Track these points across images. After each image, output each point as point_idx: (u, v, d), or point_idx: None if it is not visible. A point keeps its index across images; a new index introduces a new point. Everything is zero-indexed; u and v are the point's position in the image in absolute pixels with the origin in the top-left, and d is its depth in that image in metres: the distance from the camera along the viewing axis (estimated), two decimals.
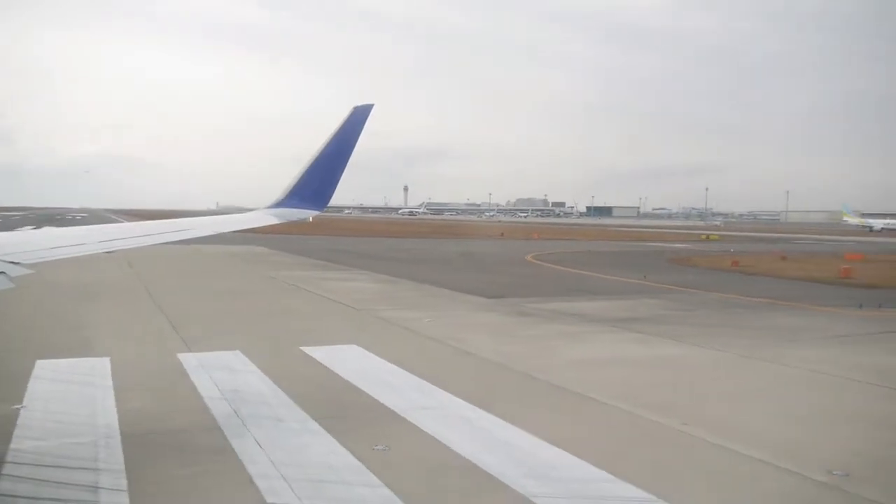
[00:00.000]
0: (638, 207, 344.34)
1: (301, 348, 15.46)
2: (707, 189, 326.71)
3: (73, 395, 11.53)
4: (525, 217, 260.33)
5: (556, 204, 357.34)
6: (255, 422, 10.16)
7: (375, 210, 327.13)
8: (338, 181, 11.22)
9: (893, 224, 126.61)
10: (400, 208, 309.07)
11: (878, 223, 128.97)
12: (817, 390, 12.97)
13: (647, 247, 68.44)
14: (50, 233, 10.27)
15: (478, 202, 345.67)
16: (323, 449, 9.14)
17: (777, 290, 29.44)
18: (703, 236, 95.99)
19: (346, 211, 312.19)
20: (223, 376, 12.82)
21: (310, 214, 11.25)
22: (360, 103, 11.09)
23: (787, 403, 12.04)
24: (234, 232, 11.59)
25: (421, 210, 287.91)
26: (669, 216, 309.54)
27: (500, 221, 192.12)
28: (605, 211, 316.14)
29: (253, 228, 11.22)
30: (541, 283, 32.10)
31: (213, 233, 10.72)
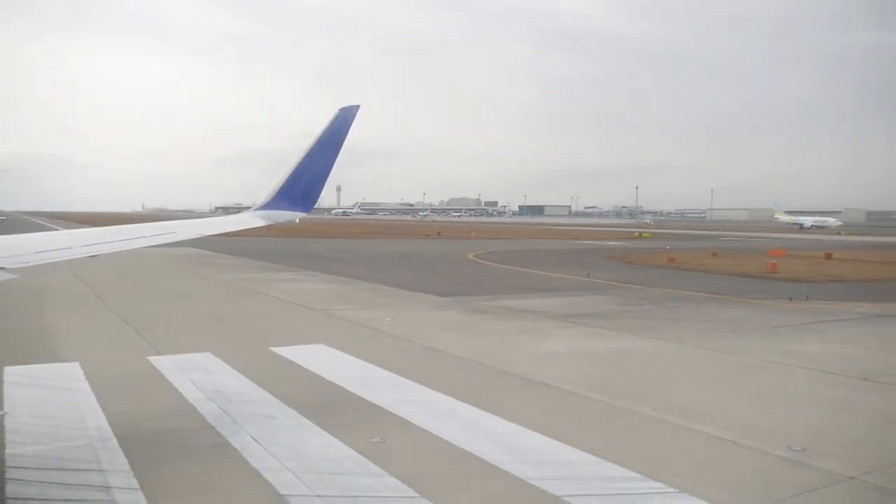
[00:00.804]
0: (569, 206, 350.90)
1: (270, 349, 15.62)
2: (637, 188, 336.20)
3: (53, 400, 11.46)
4: (459, 216, 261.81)
5: (489, 203, 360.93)
6: (247, 420, 10.36)
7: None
8: (324, 182, 11.23)
9: (821, 221, 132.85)
10: (333, 209, 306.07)
11: (807, 221, 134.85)
12: (767, 376, 13.95)
13: (584, 245, 70.15)
14: (35, 237, 10.15)
15: (412, 202, 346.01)
16: (321, 443, 9.44)
17: (713, 285, 30.90)
18: (636, 234, 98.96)
19: None
20: (202, 378, 12.90)
21: (297, 216, 11.26)
22: (345, 104, 11.07)
23: (742, 389, 12.94)
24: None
25: (355, 210, 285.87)
26: (600, 214, 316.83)
27: (434, 221, 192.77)
28: (537, 210, 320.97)
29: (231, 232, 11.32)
30: (489, 282, 32.75)
31: (198, 235, 10.75)
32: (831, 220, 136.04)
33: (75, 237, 9.81)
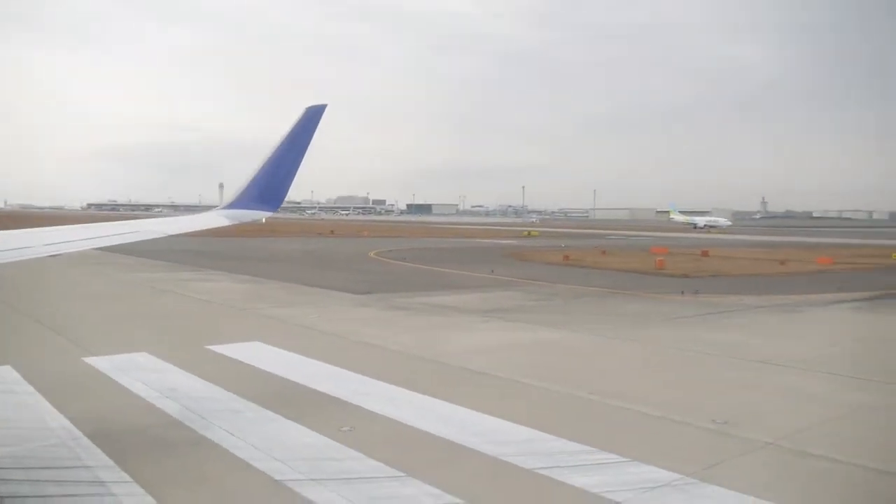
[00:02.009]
0: (457, 205, 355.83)
1: (207, 347, 15.70)
2: (524, 187, 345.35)
3: (1, 403, 11.23)
4: (347, 215, 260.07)
5: (376, 201, 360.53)
6: (213, 415, 10.62)
7: (189, 208, 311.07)
8: (291, 182, 11.26)
9: (713, 221, 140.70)
10: (215, 206, 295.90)
11: (700, 220, 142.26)
12: (680, 361, 15.48)
13: (479, 243, 71.96)
14: None
15: (298, 200, 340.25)
16: (295, 433, 9.89)
17: (610, 281, 32.95)
18: (525, 233, 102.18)
19: (157, 210, 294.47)
20: (149, 377, 12.92)
21: (263, 215, 11.31)
22: (312, 104, 11.08)
23: (661, 372, 14.36)
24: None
25: None
26: (487, 213, 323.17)
27: (323, 219, 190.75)
28: (425, 208, 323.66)
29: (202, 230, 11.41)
30: (398, 279, 33.41)
31: (162, 235, 10.79)
32: (722, 221, 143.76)
33: (35, 237, 9.71)
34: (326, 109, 11.17)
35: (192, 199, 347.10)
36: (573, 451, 9.27)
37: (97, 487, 7.87)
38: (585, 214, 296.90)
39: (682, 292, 28.08)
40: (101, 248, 10.07)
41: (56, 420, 10.29)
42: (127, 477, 8.14)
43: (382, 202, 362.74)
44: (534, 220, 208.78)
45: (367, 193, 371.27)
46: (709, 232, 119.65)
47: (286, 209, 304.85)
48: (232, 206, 11.19)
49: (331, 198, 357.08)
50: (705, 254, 54.48)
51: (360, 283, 30.59)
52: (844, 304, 25.61)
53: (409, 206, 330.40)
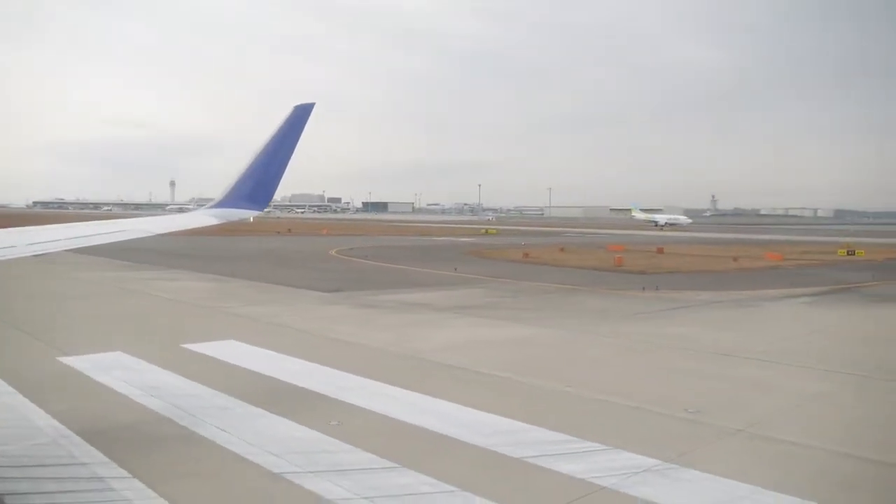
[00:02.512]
0: (412, 203, 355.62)
1: (182, 345, 15.71)
2: (480, 186, 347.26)
3: None
4: (302, 213, 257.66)
5: (332, 199, 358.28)
6: (200, 412, 10.74)
7: (138, 207, 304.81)
8: (279, 181, 11.22)
9: (674, 219, 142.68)
10: (167, 205, 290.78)
11: (662, 218, 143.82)
12: (648, 355, 16.04)
13: (437, 241, 72.30)
14: None
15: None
16: (285, 428, 10.08)
17: (572, 278, 33.61)
18: (483, 230, 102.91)
19: (105, 208, 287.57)
20: (129, 375, 12.93)
21: (251, 214, 11.32)
22: (299, 102, 11.05)
23: (631, 366, 14.92)
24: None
25: (191, 207, 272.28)
26: (443, 211, 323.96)
27: (278, 218, 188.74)
28: (380, 206, 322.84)
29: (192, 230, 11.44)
30: (364, 277, 33.54)
31: (148, 234, 10.82)
32: (683, 219, 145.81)
33: (18, 236, 9.68)
34: (313, 108, 11.21)
35: (142, 197, 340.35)
36: (557, 441, 9.67)
37: (96, 483, 7.98)
38: (540, 212, 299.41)
39: (643, 288, 28.85)
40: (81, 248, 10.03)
41: (42, 419, 10.28)
42: (125, 473, 8.25)
43: (338, 200, 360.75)
44: (490, 218, 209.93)
45: (323, 191, 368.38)
46: (663, 229, 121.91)
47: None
48: (220, 205, 11.15)
49: (285, 195, 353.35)
50: (660, 251, 55.78)
51: (326, 280, 30.64)
52: (797, 299, 26.67)
53: (364, 204, 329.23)
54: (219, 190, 11.47)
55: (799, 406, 11.79)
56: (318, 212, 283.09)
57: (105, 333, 17.26)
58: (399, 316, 21.12)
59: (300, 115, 11.01)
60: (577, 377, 13.50)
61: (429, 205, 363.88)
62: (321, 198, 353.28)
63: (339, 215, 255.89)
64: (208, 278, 30.60)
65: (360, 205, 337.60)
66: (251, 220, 11.58)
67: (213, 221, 10.85)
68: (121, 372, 13.20)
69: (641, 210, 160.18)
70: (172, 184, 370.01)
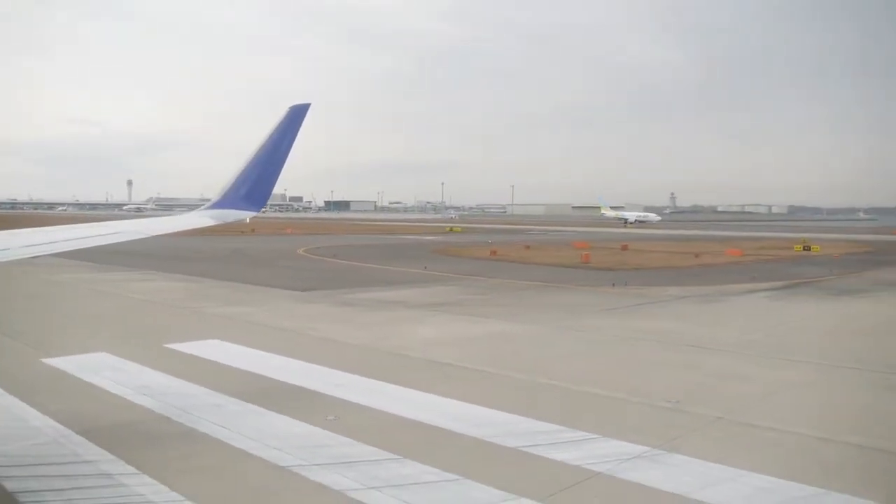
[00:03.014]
0: (375, 202, 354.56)
1: (166, 346, 15.75)
2: (443, 184, 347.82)
3: None
4: (264, 212, 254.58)
5: (294, 198, 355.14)
6: (197, 410, 10.87)
7: (94, 206, 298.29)
8: (275, 181, 11.31)
9: (643, 216, 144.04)
10: (124, 204, 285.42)
11: (631, 216, 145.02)
12: (624, 348, 16.57)
13: (403, 239, 72.47)
14: None
15: (209, 196, 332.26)
16: (284, 424, 10.28)
17: (542, 275, 34.16)
18: (447, 228, 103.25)
19: (60, 208, 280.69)
20: (118, 376, 12.97)
21: (247, 215, 11.34)
22: (296, 103, 11.11)
23: (610, 359, 15.41)
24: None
25: (149, 206, 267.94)
26: (405, 210, 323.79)
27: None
28: (343, 205, 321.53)
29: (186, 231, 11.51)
30: (336, 276, 33.62)
31: (146, 235, 10.87)
32: (652, 216, 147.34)
33: (14, 238, 9.68)
34: (295, 107, 11.28)
35: (98, 197, 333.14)
36: (548, 431, 10.05)
37: (106, 480, 8.11)
38: (503, 210, 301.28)
39: (613, 284, 29.52)
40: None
41: (38, 419, 10.33)
42: (133, 469, 8.40)
43: (300, 199, 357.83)
44: (453, 216, 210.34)
45: (285, 190, 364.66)
46: (629, 226, 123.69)
47: (196, 207, 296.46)
48: (216, 205, 11.24)
49: None
50: (624, 248, 56.88)
51: (299, 280, 30.69)
52: (759, 293, 27.58)
53: (327, 202, 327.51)
54: (216, 190, 11.57)
55: (772, 394, 12.38)
56: (280, 211, 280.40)
57: (85, 335, 17.18)
58: (377, 314, 21.35)
59: (296, 116, 11.10)
60: (559, 371, 13.91)
61: (391, 203, 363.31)
62: (283, 196, 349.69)
63: (302, 214, 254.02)
64: (178, 279, 30.37)
65: (322, 203, 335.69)
66: (248, 220, 11.69)
67: (210, 222, 10.96)
68: (109, 372, 13.22)
69: (611, 208, 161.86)
70: (129, 183, 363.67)
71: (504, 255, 48.03)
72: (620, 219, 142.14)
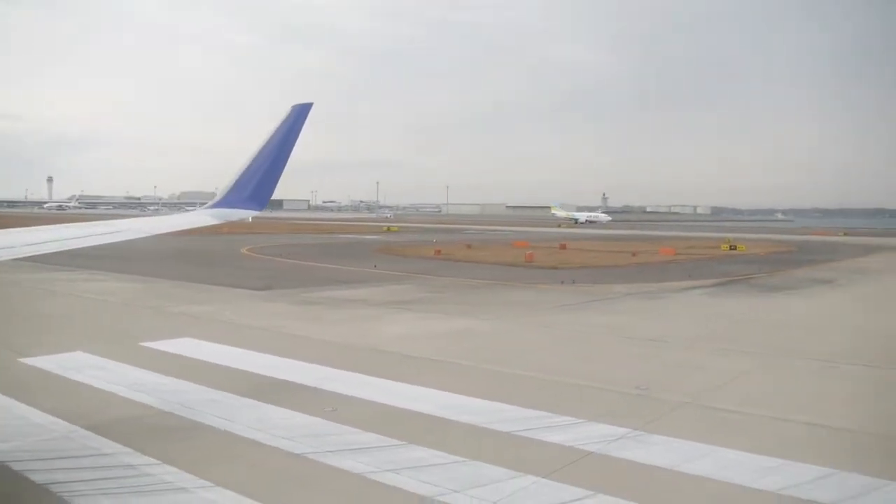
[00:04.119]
0: (308, 200, 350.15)
1: (141, 344, 15.87)
2: (378, 183, 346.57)
3: None
4: (193, 211, 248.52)
5: None
6: (196, 405, 11.20)
7: (12, 204, 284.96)
8: (277, 180, 11.35)
9: (594, 217, 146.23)
10: (45, 202, 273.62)
11: (582, 216, 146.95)
12: (586, 342, 17.56)
13: (344, 239, 72.51)
14: None
15: (138, 196, 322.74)
16: (285, 415, 10.74)
17: (489, 273, 35.10)
18: (385, 228, 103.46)
19: None
20: (103, 373, 13.12)
21: (249, 214, 11.45)
22: (299, 102, 11.32)
23: (574, 352, 16.34)
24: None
25: (72, 204, 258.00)
26: (339, 209, 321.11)
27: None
28: (275, 204, 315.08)
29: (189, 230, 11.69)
30: (288, 275, 33.71)
31: (148, 234, 11.03)
32: (602, 216, 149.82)
33: (15, 237, 9.83)
34: (301, 105, 11.60)
35: (17, 194, 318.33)
36: (536, 417, 10.83)
37: (131, 470, 8.45)
38: (437, 209, 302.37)
39: (562, 282, 30.67)
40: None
41: (39, 416, 10.50)
42: (153, 460, 8.75)
43: None
44: (388, 215, 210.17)
45: (215, 188, 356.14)
46: (567, 226, 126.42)
47: (124, 206, 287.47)
48: (218, 204, 11.40)
49: (174, 193, 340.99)
50: (563, 247, 58.47)
51: (252, 279, 30.74)
52: (699, 290, 29.18)
53: None
54: (219, 189, 11.80)
55: (729, 381, 13.49)
56: None
57: (55, 335, 17.08)
58: (342, 311, 21.79)
59: (298, 115, 11.30)
60: (531, 362, 14.74)
61: (325, 202, 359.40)
62: (213, 195, 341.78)
63: None
64: (127, 278, 29.94)
65: None
66: (249, 220, 11.90)
67: (211, 221, 11.11)
68: (93, 371, 13.33)
69: (561, 207, 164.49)
70: (50, 180, 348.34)
71: (448, 254, 48.79)
72: (571, 219, 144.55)
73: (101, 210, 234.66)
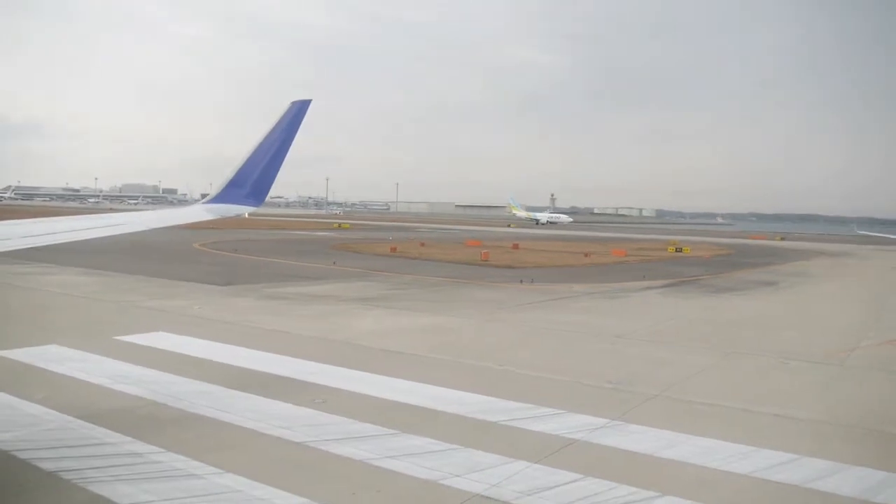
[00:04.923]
0: None
1: (115, 337, 15.89)
2: (328, 179, 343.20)
3: None
4: (136, 204, 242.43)
5: (168, 190, 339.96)
6: (187, 396, 11.41)
7: None
8: (275, 176, 11.31)
9: (555, 217, 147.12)
10: None
11: (543, 216, 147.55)
12: (554, 338, 18.21)
13: (296, 235, 72.26)
14: None
15: (77, 187, 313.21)
16: (277, 407, 11.03)
17: (449, 272, 35.61)
18: (336, 225, 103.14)
19: None
20: (87, 366, 13.18)
21: (246, 210, 11.50)
22: (297, 99, 11.22)
23: (545, 347, 16.99)
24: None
25: (7, 195, 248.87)
26: (287, 205, 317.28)
27: (110, 209, 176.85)
28: None
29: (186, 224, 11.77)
30: (247, 271, 33.58)
31: (146, 228, 11.06)
32: (563, 217, 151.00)
33: (13, 229, 9.85)
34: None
35: None
36: (518, 409, 11.38)
37: (138, 458, 8.67)
38: (386, 207, 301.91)
39: (521, 281, 31.40)
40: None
41: (30, 407, 10.58)
42: (158, 448, 8.98)
43: (174, 191, 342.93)
44: (337, 212, 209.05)
45: (159, 182, 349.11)
46: (516, 226, 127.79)
47: (63, 197, 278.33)
48: (215, 199, 11.45)
49: (115, 185, 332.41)
50: (515, 247, 59.39)
51: (212, 274, 30.58)
52: (653, 290, 30.29)
53: (203, 195, 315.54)
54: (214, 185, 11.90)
55: (694, 375, 14.31)
56: (153, 203, 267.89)
57: (26, 328, 16.92)
58: (311, 307, 21.99)
59: (297, 111, 11.27)
60: (504, 358, 15.29)
61: (272, 198, 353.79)
62: (156, 189, 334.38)
63: (176, 207, 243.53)
64: (84, 272, 29.41)
65: (199, 196, 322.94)
66: (246, 215, 12.00)
67: (208, 216, 11.22)
68: (74, 363, 13.36)
69: (522, 207, 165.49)
70: None
71: (404, 251, 49.15)
72: (532, 219, 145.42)
73: (37, 202, 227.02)
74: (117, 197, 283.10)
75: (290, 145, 11.27)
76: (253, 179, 11.22)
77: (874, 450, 10.14)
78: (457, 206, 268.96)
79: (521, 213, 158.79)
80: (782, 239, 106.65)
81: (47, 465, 8.30)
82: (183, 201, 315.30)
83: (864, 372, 15.51)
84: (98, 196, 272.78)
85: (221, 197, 11.43)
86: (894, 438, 10.79)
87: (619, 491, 8.09)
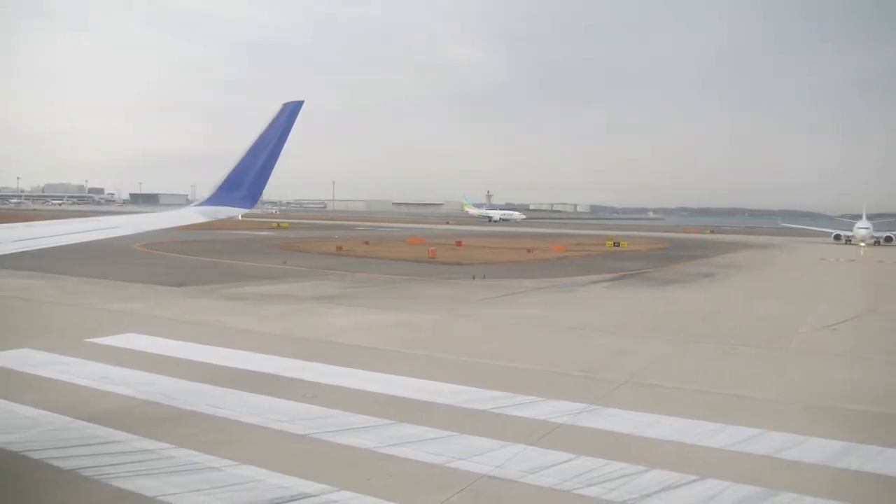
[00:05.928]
0: (187, 195, 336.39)
1: (87, 340, 15.86)
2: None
3: None
4: (60, 204, 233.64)
5: (94, 190, 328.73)
6: (178, 394, 11.64)
7: None
8: (268, 178, 11.44)
9: (507, 215, 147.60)
10: None
11: (496, 214, 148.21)
12: (518, 331, 18.95)
13: (235, 235, 70.87)
14: None
15: (24, 189, 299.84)
16: (270, 402, 11.38)
17: (400, 269, 36.06)
18: (275, 224, 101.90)
19: None
20: (67, 368, 13.23)
21: (239, 212, 11.69)
22: (289, 100, 11.45)
23: (512, 340, 17.70)
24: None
25: None
26: None
27: (34, 210, 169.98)
28: (151, 198, 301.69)
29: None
30: (198, 272, 33.24)
31: (138, 231, 11.17)
32: (516, 214, 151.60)
33: (9, 232, 9.87)
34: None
35: None
36: (501, 397, 12.03)
37: (151, 454, 8.94)
38: (322, 205, 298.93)
39: (473, 277, 32.12)
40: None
41: (24, 410, 10.65)
42: (168, 444, 9.25)
43: (100, 191, 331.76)
44: (272, 210, 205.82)
45: (85, 181, 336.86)
46: (454, 223, 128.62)
47: (11, 197, 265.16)
48: (208, 202, 11.57)
49: (37, 185, 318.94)
50: (459, 244, 60.11)
51: (162, 276, 30.23)
52: (601, 284, 31.48)
53: (133, 195, 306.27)
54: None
55: (656, 362, 15.26)
56: (79, 203, 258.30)
57: None
58: (273, 306, 22.15)
59: (289, 113, 11.44)
60: (475, 351, 15.93)
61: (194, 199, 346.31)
62: (81, 188, 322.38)
63: (104, 207, 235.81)
64: (29, 275, 28.54)
65: (127, 196, 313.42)
66: (240, 217, 12.11)
67: (201, 219, 11.32)
68: (53, 366, 13.36)
69: (474, 205, 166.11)
70: None
71: (350, 250, 49.31)
72: (484, 217, 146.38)
73: None
74: (40, 197, 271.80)
75: (283, 147, 11.47)
76: (246, 181, 11.40)
77: (829, 423, 11.18)
78: (394, 203, 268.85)
79: (474, 211, 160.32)
80: (712, 232, 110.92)
81: (64, 464, 8.50)
82: (110, 201, 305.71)
83: (807, 356, 16.80)
84: (20, 196, 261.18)
85: (215, 199, 11.56)
86: (844, 412, 11.87)
87: (611, 467, 8.83)
